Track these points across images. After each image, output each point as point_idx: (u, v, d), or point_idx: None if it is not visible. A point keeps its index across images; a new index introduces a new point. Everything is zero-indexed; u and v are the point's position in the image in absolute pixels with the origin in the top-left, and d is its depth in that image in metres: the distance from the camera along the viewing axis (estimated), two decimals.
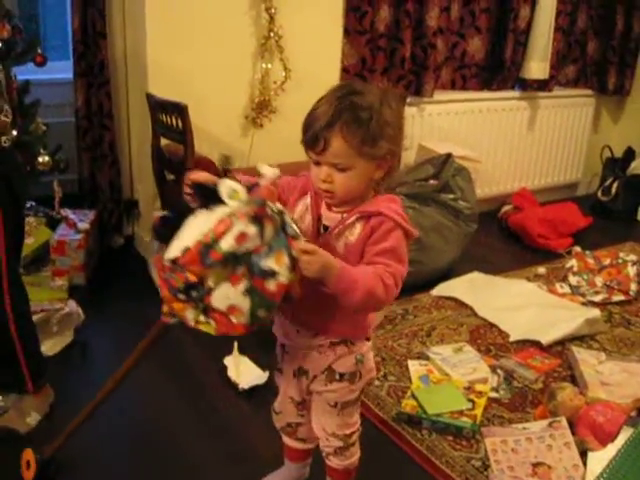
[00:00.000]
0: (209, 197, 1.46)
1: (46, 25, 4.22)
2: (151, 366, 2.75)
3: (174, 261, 1.42)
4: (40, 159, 3.35)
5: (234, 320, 1.45)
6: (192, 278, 1.42)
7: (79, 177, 3.79)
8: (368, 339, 1.75)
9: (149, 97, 3.28)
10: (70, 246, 3.33)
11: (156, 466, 2.22)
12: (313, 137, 1.50)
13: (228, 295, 1.43)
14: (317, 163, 1.54)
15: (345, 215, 1.58)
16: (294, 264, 1.43)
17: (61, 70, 3.80)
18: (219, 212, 1.43)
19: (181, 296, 1.46)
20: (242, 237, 1.40)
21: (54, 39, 4.11)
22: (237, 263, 1.41)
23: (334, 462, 1.86)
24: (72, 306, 2.95)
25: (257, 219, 1.41)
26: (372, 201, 1.57)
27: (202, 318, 1.48)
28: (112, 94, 3.66)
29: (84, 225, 3.48)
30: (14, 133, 2.21)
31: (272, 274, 1.42)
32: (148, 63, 3.37)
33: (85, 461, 2.22)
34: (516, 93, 4.68)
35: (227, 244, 1.39)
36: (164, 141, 3.32)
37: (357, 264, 1.54)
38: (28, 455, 2.09)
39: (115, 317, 3.19)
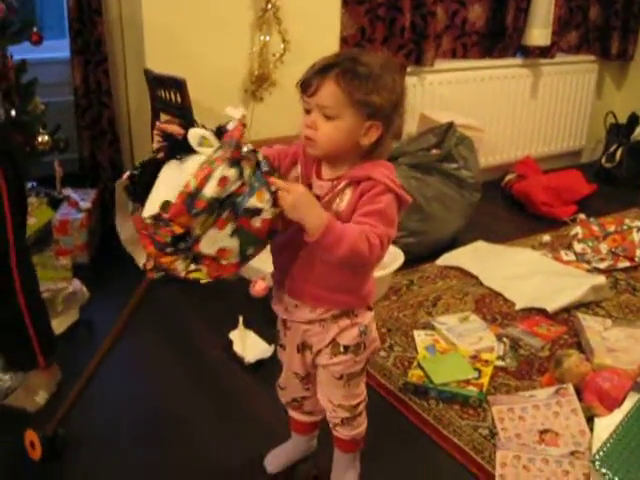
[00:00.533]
0: (179, 148, 1.46)
1: (41, 4, 4.18)
2: (156, 342, 2.77)
3: (156, 217, 1.42)
4: (40, 139, 3.33)
5: (224, 262, 1.47)
6: (178, 230, 1.42)
7: (79, 156, 3.78)
8: (370, 309, 1.74)
9: (147, 73, 3.26)
10: (73, 225, 3.32)
11: (162, 441, 2.23)
12: (307, 79, 1.51)
13: (216, 239, 1.44)
14: (307, 111, 1.54)
15: (335, 182, 1.57)
16: (275, 199, 1.45)
17: (58, 49, 3.76)
18: (195, 160, 1.43)
19: (169, 249, 1.46)
20: (224, 180, 1.40)
21: (49, 18, 4.07)
22: (221, 208, 1.42)
23: (341, 433, 1.86)
24: (76, 285, 2.95)
25: (235, 161, 1.42)
26: (362, 166, 1.55)
27: (192, 267, 1.48)
28: (110, 71, 3.63)
29: (86, 204, 3.47)
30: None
31: (256, 212, 1.44)
32: (145, 38, 3.34)
33: (91, 437, 2.23)
34: (518, 60, 4.64)
35: (210, 190, 1.39)
36: (164, 117, 3.30)
37: None
38: (31, 436, 2.11)
39: (119, 295, 3.13)
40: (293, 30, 3.60)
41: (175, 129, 1.50)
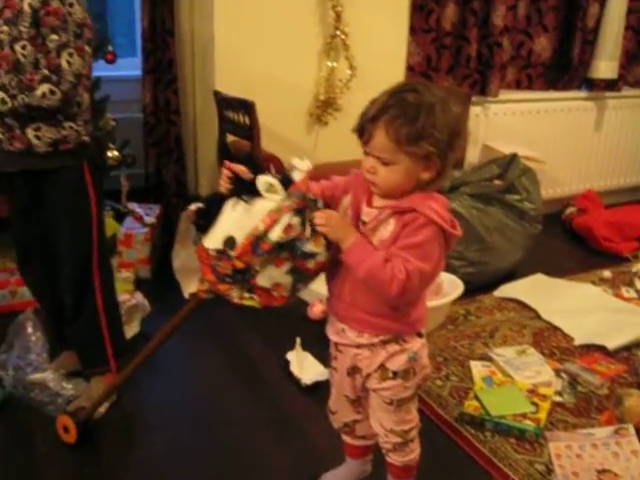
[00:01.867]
0: (245, 189, 1.59)
1: (112, 23, 4.31)
2: (215, 360, 2.81)
3: (221, 251, 1.56)
4: (109, 154, 3.42)
5: (275, 294, 1.63)
6: (239, 265, 1.56)
7: (145, 172, 3.86)
8: (420, 335, 1.74)
9: (216, 94, 3.33)
10: (137, 239, 3.40)
11: (216, 456, 2.25)
12: (360, 127, 1.55)
13: (272, 275, 1.60)
14: (366, 153, 1.57)
15: (380, 210, 1.60)
16: (328, 242, 1.60)
17: (129, 67, 3.88)
18: (262, 205, 1.56)
19: (228, 280, 1.60)
20: (289, 228, 1.55)
21: (119, 37, 4.19)
22: (282, 250, 1.56)
23: (394, 458, 1.86)
24: (139, 298, 3.01)
25: (299, 211, 1.55)
26: (410, 197, 1.57)
27: (246, 295, 1.64)
28: (179, 91, 3.72)
29: (150, 219, 3.54)
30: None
31: (312, 255, 1.60)
32: (216, 61, 3.43)
33: (143, 435, 2.31)
34: (583, 93, 4.60)
35: (276, 235, 1.53)
36: (230, 138, 3.36)
37: None
38: (64, 420, 2.23)
39: (179, 308, 3.23)
40: (360, 57, 3.65)
41: (242, 170, 1.63)
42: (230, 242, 1.55)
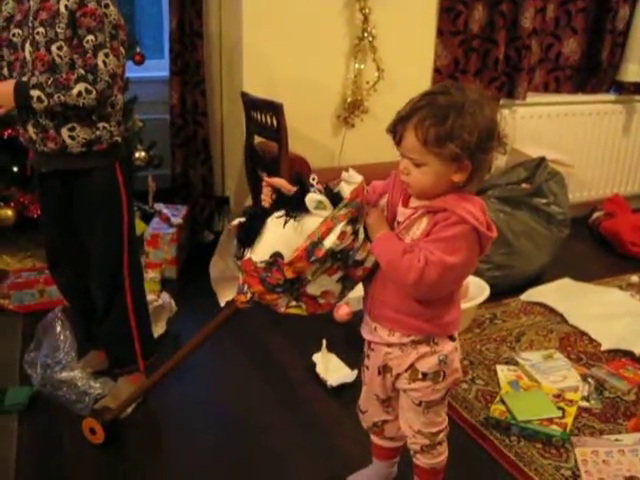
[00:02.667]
0: (288, 204, 1.61)
1: (140, 25, 4.35)
2: (241, 362, 2.82)
3: (270, 262, 1.57)
4: (137, 154, 3.46)
5: (322, 301, 1.65)
6: (290, 275, 1.56)
7: (172, 173, 3.90)
8: (452, 338, 1.73)
9: (244, 96, 3.35)
10: (163, 240, 3.42)
11: (241, 458, 2.26)
12: (391, 129, 1.57)
13: (323, 284, 1.62)
14: (401, 154, 1.59)
15: (414, 210, 1.61)
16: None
17: (157, 68, 3.91)
18: (313, 221, 1.57)
19: (278, 289, 1.61)
20: (343, 235, 1.56)
21: (147, 39, 4.23)
22: (335, 259, 1.57)
23: (421, 461, 1.86)
24: (165, 298, 3.03)
25: (353, 220, 1.57)
26: (443, 198, 1.57)
27: (293, 303, 1.65)
28: (206, 92, 3.74)
29: (177, 220, 3.57)
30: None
31: (362, 263, 1.63)
32: (244, 62, 3.45)
33: (166, 431, 2.35)
34: (612, 96, 4.56)
35: (330, 242, 1.54)
36: (257, 139, 3.38)
37: None
38: (90, 423, 2.25)
39: (206, 311, 3.24)
40: (387, 59, 3.64)
41: (283, 183, 1.66)
42: (275, 256, 1.57)
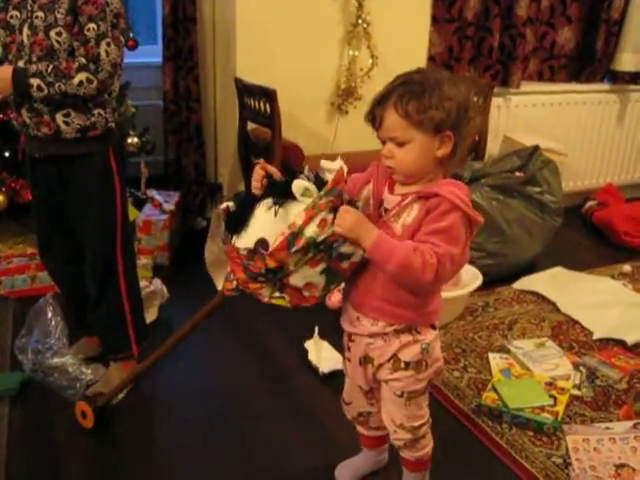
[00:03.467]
0: (278, 190, 1.57)
1: (133, 10, 4.31)
2: (233, 348, 2.81)
3: (253, 250, 1.54)
4: (129, 140, 3.44)
5: (306, 294, 1.60)
6: (272, 264, 1.53)
7: (165, 159, 3.88)
8: (434, 327, 1.73)
9: (237, 81, 3.33)
10: (156, 226, 3.40)
11: (233, 443, 2.26)
12: (370, 114, 1.56)
13: (306, 275, 1.57)
14: (383, 142, 1.57)
15: (403, 197, 1.59)
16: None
17: (150, 54, 3.89)
18: (298, 209, 1.53)
19: (260, 278, 1.57)
20: (323, 223, 1.52)
21: (139, 24, 4.20)
22: (317, 250, 1.53)
23: (406, 454, 1.86)
24: (157, 284, 3.02)
25: (335, 208, 1.53)
26: (434, 183, 1.57)
27: (277, 294, 1.62)
28: (200, 78, 3.72)
29: (169, 206, 3.55)
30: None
31: (348, 256, 1.58)
32: (237, 48, 3.42)
33: (159, 418, 2.34)
34: (606, 86, 4.56)
35: (311, 230, 1.51)
36: (251, 126, 3.36)
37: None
38: (82, 407, 2.25)
39: (198, 297, 3.23)
40: (382, 46, 3.63)
41: (274, 170, 1.61)
42: (263, 244, 1.54)
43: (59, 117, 2.15)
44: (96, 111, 2.18)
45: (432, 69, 1.55)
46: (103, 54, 2.08)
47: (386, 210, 1.62)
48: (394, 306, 1.64)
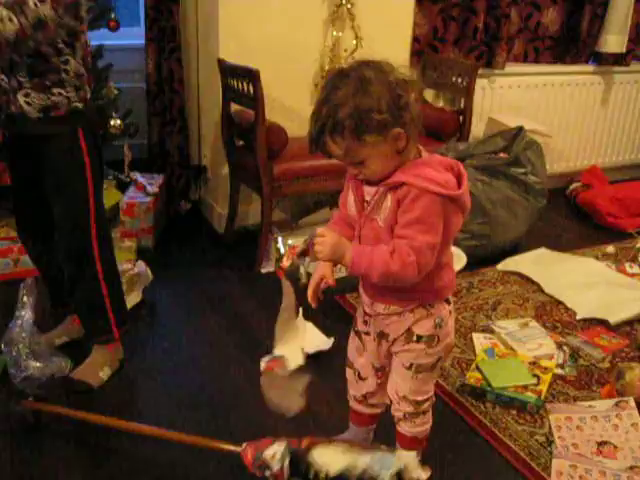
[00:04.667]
0: None
1: None
2: (217, 329, 2.81)
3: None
4: (112, 122, 3.41)
5: None
6: None
7: (148, 142, 3.85)
8: (448, 301, 1.74)
9: (220, 62, 3.30)
10: (140, 208, 3.39)
11: (218, 420, 2.26)
12: (315, 150, 1.56)
13: None
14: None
15: (377, 188, 1.59)
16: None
17: (133, 36, 3.85)
18: None
19: None
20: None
21: (122, 6, 4.15)
22: None
23: (403, 428, 1.86)
24: (141, 267, 3.00)
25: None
26: (403, 169, 1.55)
27: None
28: (183, 59, 3.69)
29: (153, 189, 3.53)
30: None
31: None
32: (220, 29, 3.38)
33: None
34: (590, 67, 4.56)
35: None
36: (234, 107, 3.34)
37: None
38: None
39: (181, 279, 3.25)
40: (366, 27, 3.60)
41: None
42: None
43: (20, 97, 2.13)
44: (56, 90, 2.14)
45: (343, 76, 1.49)
46: (31, 3, 1.98)
47: (367, 203, 1.63)
48: (401, 292, 1.66)
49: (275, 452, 1.77)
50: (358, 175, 1.59)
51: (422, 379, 1.77)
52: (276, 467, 1.75)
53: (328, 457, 1.72)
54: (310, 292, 1.75)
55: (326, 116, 1.48)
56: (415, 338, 1.71)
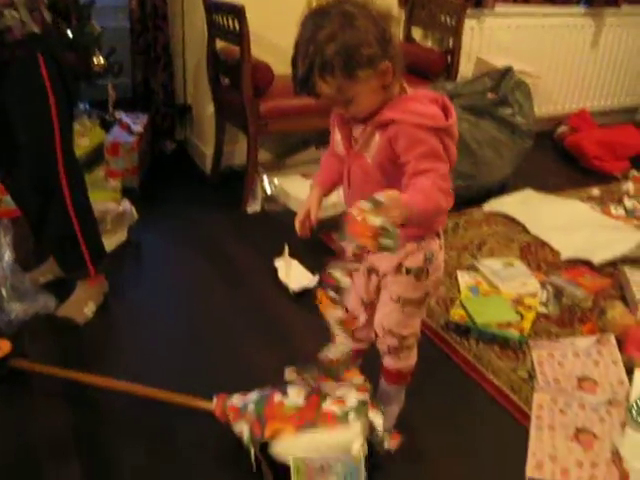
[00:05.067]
0: None
1: None
2: (205, 270, 2.82)
3: None
4: (95, 61, 3.35)
5: None
6: None
7: (132, 81, 3.79)
8: (439, 235, 1.74)
9: None
10: (124, 148, 3.35)
11: (205, 359, 2.27)
12: (303, 91, 1.52)
13: None
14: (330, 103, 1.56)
15: (365, 126, 1.57)
16: None
17: None
18: None
19: None
20: None
21: None
22: None
23: (388, 362, 1.89)
24: (126, 206, 2.98)
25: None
26: (390, 106, 1.53)
27: None
28: None
29: (138, 128, 3.49)
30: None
31: None
32: None
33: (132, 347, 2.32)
34: (581, 9, 4.50)
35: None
36: (220, 44, 3.28)
37: (386, 173, 1.57)
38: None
39: (166, 218, 3.24)
40: None
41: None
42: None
43: None
44: (8, 14, 2.06)
45: (327, 10, 1.45)
46: None
47: (356, 140, 1.61)
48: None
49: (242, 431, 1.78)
50: (345, 114, 1.57)
51: (408, 313, 1.77)
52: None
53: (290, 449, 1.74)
54: (298, 225, 1.72)
55: (313, 55, 1.44)
56: (404, 270, 1.71)
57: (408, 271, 1.71)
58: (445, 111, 1.56)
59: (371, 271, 1.78)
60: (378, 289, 1.81)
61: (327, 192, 1.77)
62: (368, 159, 1.58)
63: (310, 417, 1.75)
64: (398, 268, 1.71)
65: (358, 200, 1.56)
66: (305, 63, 1.46)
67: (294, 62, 1.51)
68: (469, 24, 3.97)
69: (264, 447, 1.74)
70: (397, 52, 1.51)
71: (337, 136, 1.68)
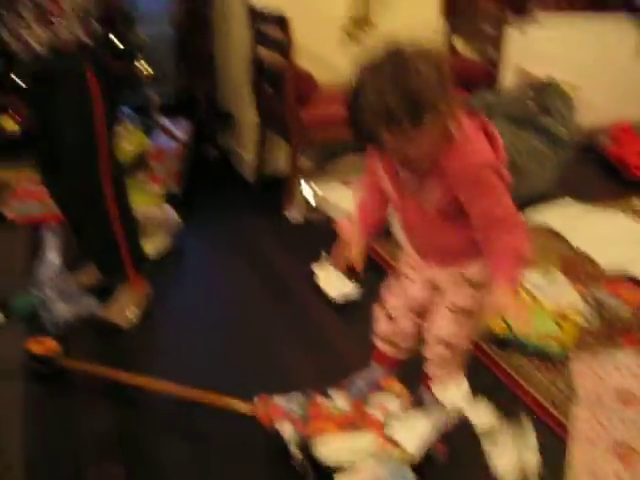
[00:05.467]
0: None
1: None
2: (242, 270, 2.85)
3: None
4: (140, 68, 3.40)
5: None
6: None
7: (176, 88, 3.85)
8: None
9: (250, 8, 3.27)
10: (168, 154, 3.41)
11: (245, 366, 2.29)
12: (367, 142, 1.51)
13: None
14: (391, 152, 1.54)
15: (420, 175, 1.57)
16: None
17: None
18: None
19: None
20: None
21: None
22: None
23: (433, 371, 1.91)
24: (168, 211, 3.03)
25: None
26: (446, 152, 1.50)
27: None
28: (212, 5, 3.66)
29: (181, 135, 3.54)
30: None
31: None
32: None
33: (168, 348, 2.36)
34: (625, 17, 4.45)
35: None
36: (264, 53, 3.32)
37: (449, 218, 1.61)
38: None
39: (209, 225, 3.28)
40: None
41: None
42: None
43: (24, 32, 2.10)
44: (57, 22, 2.10)
45: (390, 52, 1.39)
46: None
47: (404, 183, 1.63)
48: (461, 256, 1.72)
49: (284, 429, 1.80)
50: (403, 163, 1.55)
51: (462, 323, 1.79)
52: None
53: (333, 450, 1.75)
54: (334, 256, 1.77)
55: (376, 105, 1.39)
56: (464, 281, 1.74)
57: (469, 282, 1.73)
58: (490, 138, 1.57)
59: (429, 283, 1.81)
60: (432, 301, 1.83)
61: (370, 233, 1.79)
62: (424, 204, 1.59)
63: (354, 420, 1.77)
64: (458, 279, 1.74)
65: (425, 247, 1.71)
66: (367, 116, 1.42)
67: (352, 111, 1.46)
68: (510, 34, 3.96)
69: (306, 448, 1.77)
70: (454, 93, 1.46)
71: (380, 170, 1.67)
